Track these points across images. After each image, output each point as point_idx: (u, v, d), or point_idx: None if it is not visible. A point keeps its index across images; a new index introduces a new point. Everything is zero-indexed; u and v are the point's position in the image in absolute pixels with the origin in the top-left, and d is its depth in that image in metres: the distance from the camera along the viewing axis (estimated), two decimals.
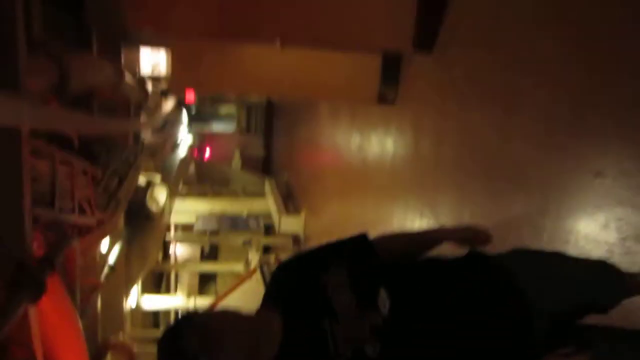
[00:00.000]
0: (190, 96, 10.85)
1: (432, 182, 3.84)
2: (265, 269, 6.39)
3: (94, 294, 3.19)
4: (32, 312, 1.82)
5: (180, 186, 10.39)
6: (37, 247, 1.97)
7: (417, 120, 4.00)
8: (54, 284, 2.02)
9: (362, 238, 1.36)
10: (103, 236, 3.15)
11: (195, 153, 13.20)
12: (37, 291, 1.69)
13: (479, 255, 1.35)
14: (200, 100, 12.30)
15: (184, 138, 11.18)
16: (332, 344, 1.12)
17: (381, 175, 4.79)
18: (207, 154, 13.86)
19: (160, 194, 6.26)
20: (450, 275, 1.31)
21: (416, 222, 4.02)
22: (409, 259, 1.41)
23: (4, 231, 1.75)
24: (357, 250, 1.32)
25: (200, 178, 13.19)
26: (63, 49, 2.29)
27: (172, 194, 8.04)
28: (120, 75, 3.42)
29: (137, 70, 5.49)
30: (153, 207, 6.12)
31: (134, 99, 4.18)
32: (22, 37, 1.67)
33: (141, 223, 5.92)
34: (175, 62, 4.15)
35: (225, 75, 4.11)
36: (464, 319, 1.21)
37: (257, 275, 6.41)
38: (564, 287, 1.39)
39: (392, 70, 4.25)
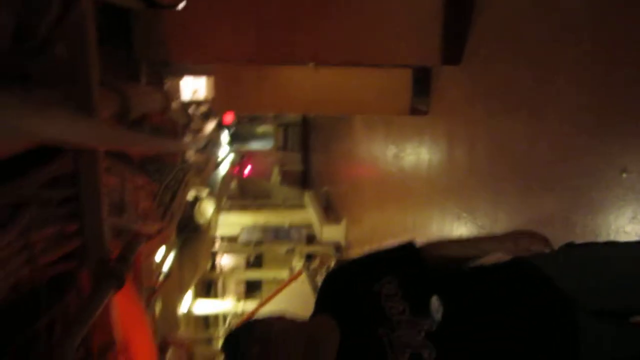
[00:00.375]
0: (228, 117, 11.31)
1: (467, 186, 4.00)
2: (310, 271, 6.62)
3: (154, 294, 3.50)
4: (113, 302, 2.11)
5: (224, 201, 10.79)
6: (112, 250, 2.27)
7: (450, 128, 4.19)
8: (127, 281, 2.29)
9: (409, 246, 1.42)
10: (161, 244, 3.46)
11: (236, 170, 13.63)
12: (118, 283, 1.98)
13: (524, 261, 1.36)
14: (238, 120, 12.76)
15: (225, 156, 11.60)
16: (390, 351, 1.14)
17: (418, 183, 4.97)
18: (248, 170, 14.27)
19: (207, 208, 6.62)
20: (496, 282, 1.32)
21: (454, 225, 4.18)
22: (455, 266, 1.44)
23: (88, 236, 2.06)
24: (406, 258, 1.39)
25: (243, 193, 13.61)
26: (122, 82, 2.59)
27: (217, 209, 8.43)
28: (168, 101, 3.75)
29: (179, 96, 5.88)
30: (201, 220, 6.50)
31: (180, 122, 4.52)
32: (96, 75, 1.99)
33: (191, 235, 6.30)
34: (217, 86, 4.46)
35: (264, 96, 4.40)
36: (510, 323, 1.21)
37: (303, 277, 6.63)
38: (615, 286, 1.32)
39: (422, 83, 4.46)
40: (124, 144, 2.08)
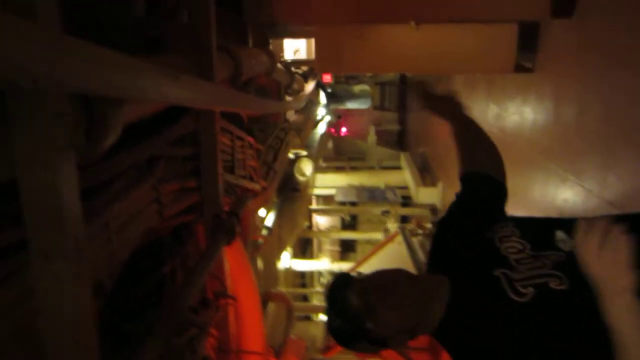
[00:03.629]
0: (327, 77, 11.40)
1: (574, 148, 3.82)
2: (406, 233, 6.65)
3: (258, 250, 3.74)
4: (225, 254, 2.32)
5: (321, 161, 11.02)
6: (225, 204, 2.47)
7: (557, 87, 3.98)
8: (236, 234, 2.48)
9: (489, 178, 1.42)
10: (265, 201, 3.66)
11: (333, 130, 13.79)
12: (230, 236, 2.17)
13: None
14: (336, 80, 12.81)
15: (323, 116, 11.77)
16: (509, 288, 1.09)
17: (520, 144, 4.80)
18: (344, 130, 14.39)
19: (306, 167, 6.83)
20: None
21: (559, 188, 4.03)
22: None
23: (205, 192, 2.25)
24: (493, 189, 1.41)
25: (338, 153, 13.79)
26: (234, 45, 2.72)
27: (314, 169, 8.65)
28: (273, 61, 3.88)
29: (282, 56, 6.04)
30: (300, 179, 6.74)
31: (283, 83, 4.66)
32: (215, 39, 2.13)
33: (290, 194, 6.56)
34: (318, 47, 4.53)
35: (364, 56, 4.41)
36: None
37: (399, 238, 6.64)
38: None
39: (529, 38, 4.25)
40: (237, 105, 2.22)
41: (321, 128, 11.07)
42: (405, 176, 10.09)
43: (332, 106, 13.84)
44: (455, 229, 1.34)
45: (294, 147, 5.57)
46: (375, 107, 13.66)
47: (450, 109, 1.68)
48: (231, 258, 2.59)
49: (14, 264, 1.17)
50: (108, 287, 1.62)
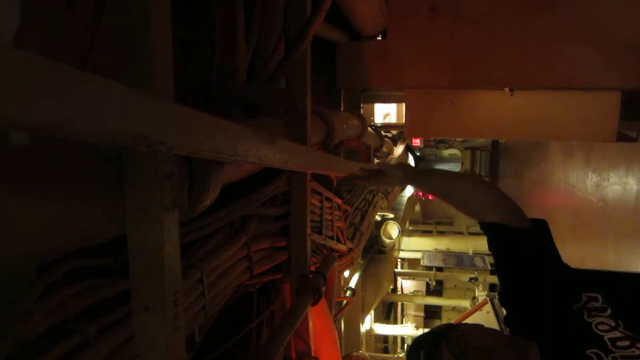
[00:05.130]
0: (416, 141, 11.43)
1: None
2: (495, 302, 6.33)
3: (342, 310, 3.70)
4: (310, 313, 2.32)
5: (407, 224, 10.89)
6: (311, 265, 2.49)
7: None
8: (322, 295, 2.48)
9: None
10: (350, 263, 3.65)
11: (420, 194, 13.64)
12: (316, 296, 2.17)
13: None
14: (425, 143, 12.80)
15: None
16: None
17: (623, 215, 4.51)
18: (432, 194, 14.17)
19: (393, 230, 6.77)
20: None
21: None
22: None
23: (294, 251, 2.30)
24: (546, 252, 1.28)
25: (426, 217, 13.55)
26: (327, 109, 2.82)
27: (400, 231, 8.55)
28: (364, 125, 3.96)
29: (372, 119, 6.16)
30: (386, 241, 6.67)
31: (373, 146, 4.73)
32: (309, 104, 2.23)
33: (375, 255, 6.50)
34: (409, 111, 4.60)
35: (455, 120, 4.40)
36: None
37: (488, 307, 6.36)
38: None
39: (632, 106, 4.06)
40: (327, 168, 2.28)
41: (409, 191, 11.00)
42: None
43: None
44: (528, 295, 1.24)
45: (381, 210, 5.56)
46: (465, 171, 13.41)
47: (404, 179, 1.61)
48: (316, 318, 2.58)
49: (119, 314, 1.25)
50: (198, 341, 1.68)
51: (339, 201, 3.31)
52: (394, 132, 7.53)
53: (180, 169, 1.25)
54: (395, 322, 11.18)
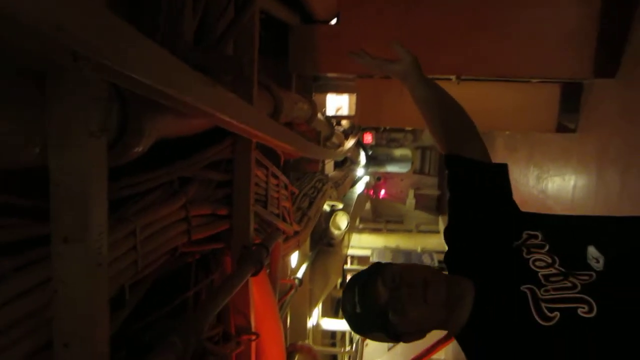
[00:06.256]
0: (367, 137, 11.55)
1: (618, 212, 3.68)
2: None
3: (287, 294, 3.67)
4: (250, 288, 2.28)
5: (357, 221, 10.96)
6: (254, 237, 2.45)
7: (601, 148, 3.89)
8: (263, 271, 2.45)
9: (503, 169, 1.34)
10: (296, 246, 3.62)
11: (371, 192, 13.79)
12: (256, 266, 2.14)
13: None
14: (376, 142, 12.95)
15: (362, 176, 11.81)
16: (534, 308, 1.02)
17: (562, 206, 4.67)
18: (382, 193, 14.37)
19: (342, 221, 6.79)
20: None
21: None
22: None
23: (236, 221, 2.25)
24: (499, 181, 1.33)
25: (376, 215, 13.70)
26: (276, 85, 2.80)
27: (350, 228, 8.59)
28: (314, 110, 3.95)
29: (324, 110, 6.17)
30: (335, 232, 6.69)
31: (324, 133, 4.73)
32: (256, 72, 2.20)
33: (324, 248, 6.50)
34: (360, 99, 4.62)
35: (404, 109, 4.42)
36: None
37: None
38: None
39: (571, 98, 4.22)
40: (274, 134, 2.25)
41: (360, 188, 11.09)
42: (443, 240, 9.89)
43: (372, 169, 13.91)
44: (473, 231, 1.26)
45: (330, 199, 5.58)
46: (415, 171, 13.65)
47: (411, 68, 1.49)
48: (257, 294, 2.54)
49: (36, 254, 1.18)
50: (129, 300, 1.61)
51: (286, 180, 3.28)
52: (346, 125, 7.58)
53: (112, 100, 1.20)
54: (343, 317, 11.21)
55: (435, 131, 1.44)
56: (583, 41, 3.54)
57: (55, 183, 1.00)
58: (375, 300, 1.13)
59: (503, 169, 1.35)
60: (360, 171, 11.58)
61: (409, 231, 12.75)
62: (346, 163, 9.00)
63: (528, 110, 4.12)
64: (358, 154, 10.80)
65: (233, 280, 2.01)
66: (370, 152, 13.55)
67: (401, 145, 13.57)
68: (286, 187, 3.24)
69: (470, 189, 1.32)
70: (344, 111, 7.19)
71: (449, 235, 1.34)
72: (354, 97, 6.29)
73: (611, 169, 3.71)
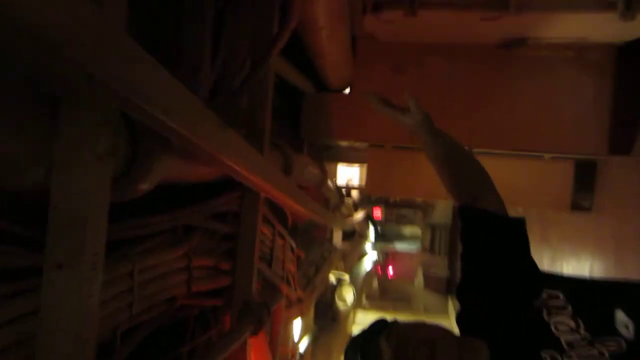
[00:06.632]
0: (377, 212, 11.51)
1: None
2: None
3: None
4: (248, 348, 2.17)
5: (364, 299, 10.69)
6: (256, 295, 2.37)
7: (618, 227, 3.82)
8: (263, 333, 2.35)
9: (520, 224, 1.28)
10: (299, 314, 3.50)
11: (379, 269, 13.55)
12: (256, 325, 2.04)
13: None
14: (385, 219, 12.87)
15: (370, 253, 11.65)
16: None
17: None
18: (390, 271, 14.11)
19: (348, 294, 6.61)
20: None
21: None
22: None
23: (238, 276, 2.19)
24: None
25: (383, 294, 13.38)
26: (288, 145, 2.81)
27: (356, 305, 8.36)
28: (324, 175, 3.96)
29: (334, 179, 6.19)
30: (341, 306, 6.49)
31: (333, 201, 4.71)
32: (269, 126, 2.21)
33: (328, 323, 6.28)
34: (370, 168, 4.64)
35: (415, 180, 4.45)
36: None
37: None
38: None
39: (586, 176, 4.20)
40: (286, 191, 2.23)
41: (367, 264, 10.91)
42: (453, 323, 9.58)
43: (380, 245, 13.76)
44: (488, 287, 1.19)
45: (337, 269, 5.46)
46: (424, 250, 13.46)
47: (422, 124, 1.47)
48: (255, 357, 2.43)
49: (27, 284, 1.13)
50: (123, 350, 1.52)
51: (293, 244, 3.22)
52: (355, 197, 7.57)
53: (121, 130, 1.19)
54: None
55: (449, 185, 1.41)
56: (598, 116, 3.58)
57: (54, 205, 0.98)
58: None
59: (521, 223, 1.30)
60: (368, 246, 11.45)
61: (417, 312, 12.40)
62: (354, 236, 8.91)
63: (541, 187, 4.09)
64: (367, 228, 10.72)
65: (231, 335, 1.92)
66: (379, 229, 13.47)
67: (411, 222, 13.46)
68: (292, 250, 3.17)
69: (486, 243, 1.26)
70: (355, 182, 7.22)
71: (462, 292, 1.27)
72: (364, 168, 6.33)
73: (629, 250, 3.61)
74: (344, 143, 4.81)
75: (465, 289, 1.26)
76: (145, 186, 1.33)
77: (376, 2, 3.17)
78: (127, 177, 1.26)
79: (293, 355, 4.12)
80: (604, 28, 3.26)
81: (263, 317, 2.13)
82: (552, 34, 3.57)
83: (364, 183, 6.06)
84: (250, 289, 2.20)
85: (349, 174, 7.20)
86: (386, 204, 11.65)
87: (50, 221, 0.98)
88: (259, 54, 2.02)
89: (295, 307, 3.37)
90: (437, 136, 1.44)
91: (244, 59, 2.21)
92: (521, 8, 3.10)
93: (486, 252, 1.25)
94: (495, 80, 3.77)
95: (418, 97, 4.02)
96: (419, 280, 13.22)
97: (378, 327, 1.12)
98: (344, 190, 6.13)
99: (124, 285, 1.41)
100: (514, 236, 1.27)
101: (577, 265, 4.50)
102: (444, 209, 12.97)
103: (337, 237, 6.19)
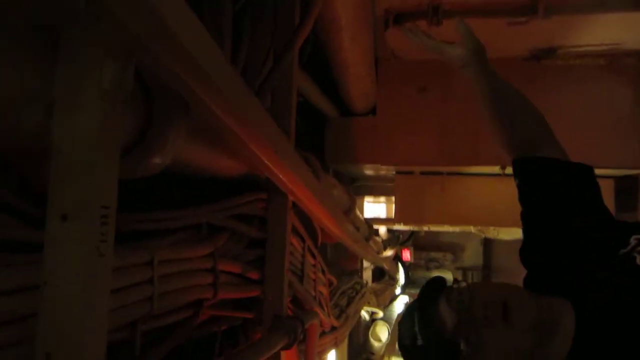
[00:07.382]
0: (406, 254, 11.19)
1: None
2: None
3: None
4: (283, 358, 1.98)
5: (397, 345, 10.26)
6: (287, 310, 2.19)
7: None
8: (295, 350, 2.15)
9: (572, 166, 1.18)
10: (335, 344, 3.27)
11: None
12: (290, 337, 1.85)
13: None
14: (415, 261, 12.51)
15: (400, 295, 11.27)
16: None
17: None
18: None
19: (382, 332, 6.29)
20: None
21: None
22: None
23: (268, 287, 2.02)
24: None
25: None
26: (316, 159, 2.68)
27: (390, 351, 7.98)
28: (352, 202, 3.80)
29: (362, 213, 6.02)
30: (375, 344, 6.15)
31: (362, 231, 4.53)
32: (293, 128, 2.10)
33: None
34: (399, 197, 4.49)
35: (446, 207, 4.30)
36: None
37: None
38: None
39: (627, 195, 3.99)
40: (317, 194, 2.09)
41: (398, 308, 10.51)
42: None
43: (410, 290, 13.33)
44: (561, 242, 1.05)
45: (369, 305, 5.21)
46: None
47: (473, 55, 1.31)
48: None
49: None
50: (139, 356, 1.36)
51: (324, 265, 3.04)
52: (384, 236, 7.37)
53: (135, 94, 1.08)
54: None
55: (500, 131, 1.26)
56: (637, 127, 3.43)
57: (57, 148, 0.85)
58: (440, 328, 0.91)
59: (590, 170, 1.15)
60: (398, 290, 11.08)
61: None
62: (385, 278, 8.62)
63: None
64: (397, 272, 10.40)
65: (262, 345, 1.73)
66: (408, 274, 13.08)
67: (441, 266, 13.04)
68: (324, 273, 2.99)
69: (555, 193, 1.10)
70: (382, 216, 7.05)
71: (527, 254, 1.11)
72: (391, 203, 6.16)
73: None
74: (369, 170, 4.69)
75: (530, 249, 1.13)
76: (159, 159, 1.21)
77: (398, 13, 3.10)
78: (139, 146, 1.14)
79: None
80: None
81: (297, 330, 1.94)
82: (583, 41, 3.46)
83: (392, 215, 5.88)
84: (281, 302, 2.03)
85: (375, 211, 7.04)
86: (415, 246, 11.34)
87: (53, 167, 0.85)
88: (281, 45, 1.93)
89: (329, 336, 3.14)
90: (491, 73, 1.29)
91: (266, 56, 2.13)
92: (550, 12, 3.00)
93: (556, 203, 1.10)
94: (527, 92, 3.64)
95: (442, 116, 3.90)
96: None
97: (435, 288, 0.94)
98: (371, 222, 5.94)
99: (143, 275, 1.26)
100: (585, 183, 1.11)
101: None
102: (473, 250, 12.59)
103: (368, 275, 5.96)
